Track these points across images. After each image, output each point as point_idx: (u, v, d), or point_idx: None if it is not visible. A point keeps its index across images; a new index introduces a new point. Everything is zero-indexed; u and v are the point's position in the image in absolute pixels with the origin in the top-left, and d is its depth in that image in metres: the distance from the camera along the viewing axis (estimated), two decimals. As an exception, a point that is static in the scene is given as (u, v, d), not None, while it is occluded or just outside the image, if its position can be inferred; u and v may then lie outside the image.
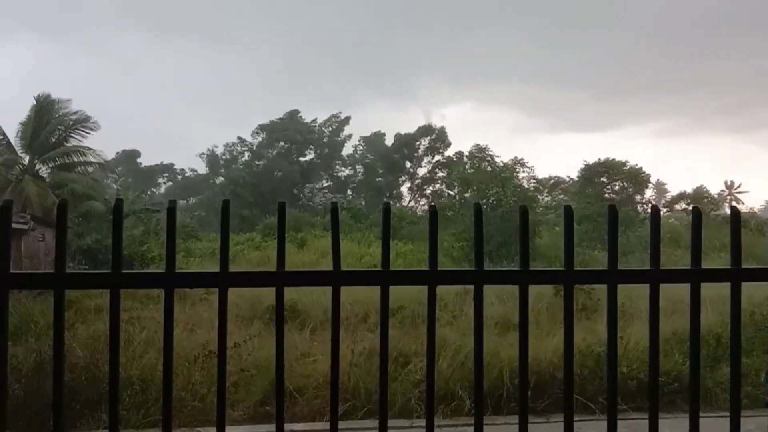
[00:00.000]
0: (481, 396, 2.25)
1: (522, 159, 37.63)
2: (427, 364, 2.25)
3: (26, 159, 26.61)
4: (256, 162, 60.66)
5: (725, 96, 71.45)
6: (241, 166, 60.25)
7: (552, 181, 60.61)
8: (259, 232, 35.10)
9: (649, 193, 32.86)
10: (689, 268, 2.31)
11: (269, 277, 2.08)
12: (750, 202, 45.94)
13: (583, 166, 33.68)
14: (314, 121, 64.14)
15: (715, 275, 2.39)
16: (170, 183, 67.89)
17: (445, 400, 6.82)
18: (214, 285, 2.02)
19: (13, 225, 21.73)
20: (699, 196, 38.37)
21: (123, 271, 1.95)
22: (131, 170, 66.56)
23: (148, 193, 60.35)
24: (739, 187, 43.11)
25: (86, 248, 22.16)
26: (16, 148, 26.71)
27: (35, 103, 26.67)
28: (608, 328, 2.27)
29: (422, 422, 6.27)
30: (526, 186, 35.83)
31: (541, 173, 50.30)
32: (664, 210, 38.03)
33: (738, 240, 2.39)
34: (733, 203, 42.90)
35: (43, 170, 26.93)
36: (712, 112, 74.70)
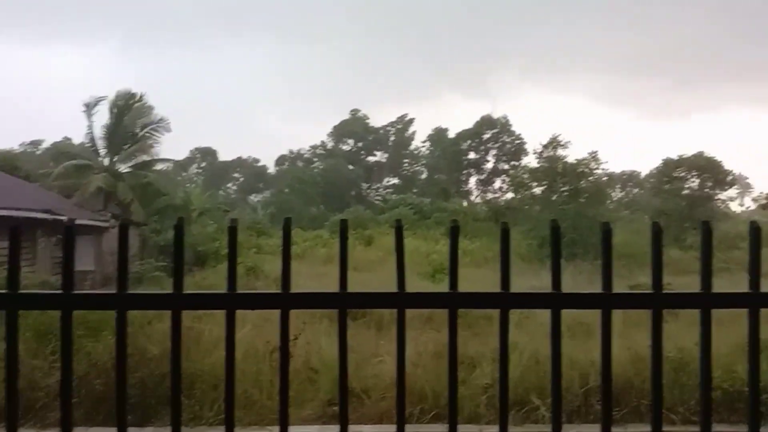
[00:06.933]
0: (559, 403, 2.18)
1: (596, 153, 34.41)
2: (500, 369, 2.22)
3: (106, 160, 27.91)
4: (327, 161, 62.04)
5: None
6: (314, 165, 62.15)
7: (625, 176, 58.36)
8: (327, 230, 36.12)
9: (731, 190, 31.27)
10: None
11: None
12: None
13: (662, 162, 32.32)
14: (382, 127, 65.33)
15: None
16: (242, 178, 70.29)
17: (516, 405, 6.61)
18: (274, 307, 2.22)
19: (94, 223, 22.46)
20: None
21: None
22: (207, 167, 69.33)
23: (222, 190, 62.74)
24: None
25: (164, 244, 22.99)
26: (100, 149, 28.06)
27: (114, 103, 27.74)
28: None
29: (493, 428, 6.12)
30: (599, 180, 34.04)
31: (614, 167, 48.42)
32: (751, 206, 36.19)
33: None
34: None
35: (123, 168, 28.16)
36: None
